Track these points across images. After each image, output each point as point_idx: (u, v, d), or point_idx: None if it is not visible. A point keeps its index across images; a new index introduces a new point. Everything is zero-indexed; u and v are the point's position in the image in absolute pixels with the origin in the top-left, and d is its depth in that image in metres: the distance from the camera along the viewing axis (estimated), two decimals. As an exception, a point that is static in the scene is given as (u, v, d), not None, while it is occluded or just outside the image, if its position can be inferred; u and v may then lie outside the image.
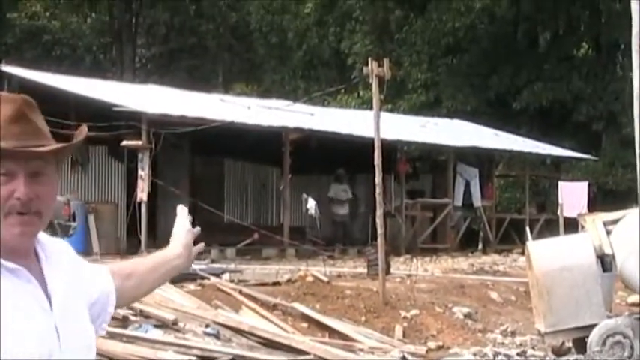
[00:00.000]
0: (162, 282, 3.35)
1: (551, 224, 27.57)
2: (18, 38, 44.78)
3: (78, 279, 2.86)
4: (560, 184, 30.11)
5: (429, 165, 33.22)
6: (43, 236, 2.79)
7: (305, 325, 16.24)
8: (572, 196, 27.92)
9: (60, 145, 2.71)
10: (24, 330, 2.59)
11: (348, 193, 28.64)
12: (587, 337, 14.35)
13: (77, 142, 2.80)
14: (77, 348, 2.72)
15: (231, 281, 18.09)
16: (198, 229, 3.29)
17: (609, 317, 14.68)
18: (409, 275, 20.70)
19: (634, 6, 29.32)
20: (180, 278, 17.27)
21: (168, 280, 3.48)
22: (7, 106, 2.67)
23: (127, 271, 3.16)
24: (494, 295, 19.74)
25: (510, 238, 30.22)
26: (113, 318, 3.40)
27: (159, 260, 3.23)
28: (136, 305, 14.87)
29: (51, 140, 2.71)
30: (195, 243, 3.34)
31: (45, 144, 2.67)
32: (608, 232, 14.85)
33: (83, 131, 2.86)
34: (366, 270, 20.05)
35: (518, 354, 15.57)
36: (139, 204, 23.14)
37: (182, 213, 3.31)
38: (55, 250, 2.80)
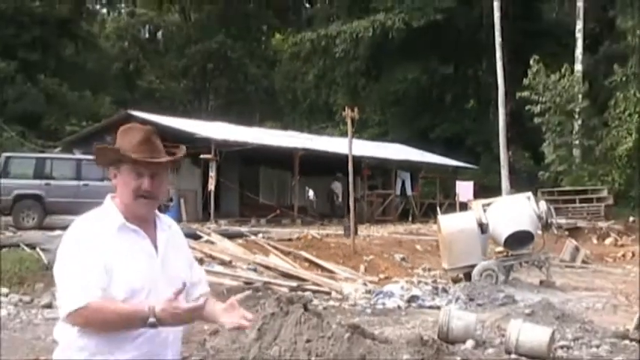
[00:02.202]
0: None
1: (452, 206, 27.93)
2: (140, 95, 44.87)
3: (179, 245, 2.87)
4: (457, 182, 30.45)
5: (381, 170, 33.44)
6: (163, 216, 2.87)
7: (307, 264, 16.04)
8: (464, 189, 28.30)
9: (169, 159, 2.75)
10: (137, 266, 2.65)
11: (341, 188, 28.92)
12: (472, 271, 14.25)
13: (178, 157, 2.82)
14: (172, 278, 2.70)
15: (263, 238, 17.89)
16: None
17: (484, 260, 14.67)
18: (368, 235, 20.86)
19: (500, 78, 29.91)
20: (233, 235, 17.60)
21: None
22: (140, 133, 2.72)
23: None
24: (418, 247, 19.89)
25: (428, 214, 30.42)
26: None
27: (209, 308, 2.78)
28: (207, 251, 14.98)
29: (165, 155, 2.75)
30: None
31: (160, 157, 2.72)
32: (485, 211, 14.85)
33: (182, 150, 2.90)
34: (343, 232, 20.23)
35: (432, 282, 15.25)
36: (209, 192, 23.31)
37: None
38: (166, 224, 2.84)
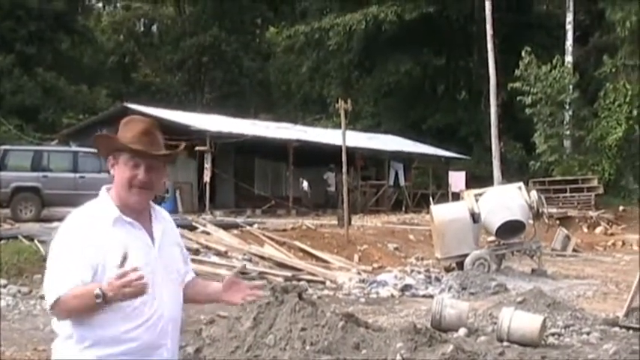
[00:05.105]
0: (200, 302, 3.03)
1: (444, 196, 27.99)
2: (136, 88, 44.67)
3: (173, 236, 2.87)
4: (450, 172, 30.45)
5: (374, 161, 33.42)
6: (157, 207, 2.84)
7: (301, 254, 16.19)
8: (456, 179, 28.30)
9: (167, 152, 2.75)
10: (133, 258, 2.61)
11: (334, 178, 28.90)
12: (464, 260, 14.47)
13: (176, 152, 2.84)
14: (169, 268, 2.76)
15: (258, 228, 17.94)
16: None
17: (476, 249, 14.86)
18: (362, 225, 20.90)
19: (491, 70, 29.81)
20: (228, 226, 17.63)
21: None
22: (141, 124, 2.72)
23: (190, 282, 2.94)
24: (411, 236, 20.02)
25: (421, 204, 30.44)
26: (187, 249, 3.23)
27: (211, 288, 2.97)
28: (202, 241, 15.14)
29: (163, 148, 2.75)
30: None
31: (159, 150, 2.72)
32: (477, 200, 15.08)
33: (181, 147, 3.00)
34: (337, 222, 20.24)
35: (425, 271, 15.40)
36: (205, 183, 23.30)
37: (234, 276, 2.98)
38: (161, 215, 2.83)
